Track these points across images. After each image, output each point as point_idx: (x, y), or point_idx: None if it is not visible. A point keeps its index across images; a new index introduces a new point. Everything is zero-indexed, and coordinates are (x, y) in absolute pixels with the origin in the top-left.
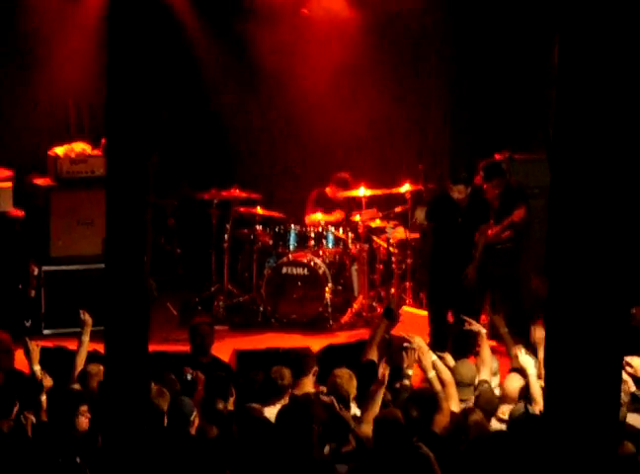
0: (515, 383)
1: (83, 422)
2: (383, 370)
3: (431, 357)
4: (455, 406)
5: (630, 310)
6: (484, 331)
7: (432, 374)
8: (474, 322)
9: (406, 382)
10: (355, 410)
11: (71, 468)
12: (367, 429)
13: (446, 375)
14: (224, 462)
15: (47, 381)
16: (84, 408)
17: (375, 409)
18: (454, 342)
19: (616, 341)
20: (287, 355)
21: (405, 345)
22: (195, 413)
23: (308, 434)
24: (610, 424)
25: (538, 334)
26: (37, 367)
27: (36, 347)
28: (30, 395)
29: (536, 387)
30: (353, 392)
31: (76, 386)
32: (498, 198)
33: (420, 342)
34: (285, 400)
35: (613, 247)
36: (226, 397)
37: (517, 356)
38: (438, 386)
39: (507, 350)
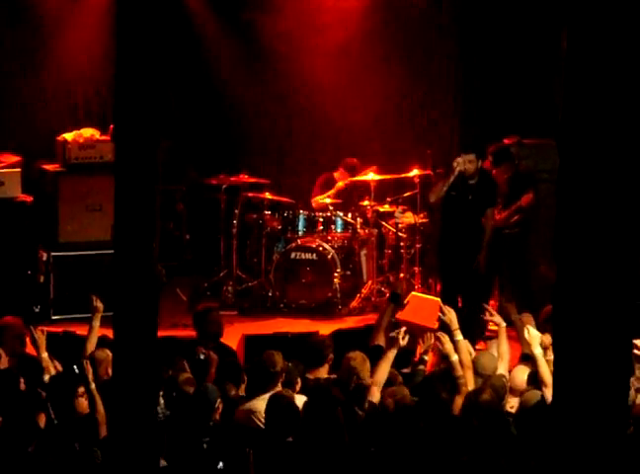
0: (522, 375)
1: (82, 403)
2: (401, 335)
3: (457, 336)
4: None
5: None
6: (504, 324)
7: (454, 358)
8: (495, 313)
9: (421, 367)
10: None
11: (86, 454)
12: (376, 391)
13: (467, 359)
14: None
15: (57, 367)
16: (82, 390)
17: (385, 370)
18: (463, 327)
19: (625, 325)
20: (304, 342)
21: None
22: (219, 400)
23: (335, 420)
24: (619, 408)
25: (548, 339)
26: (44, 355)
27: (41, 334)
28: (37, 379)
29: (545, 368)
30: (366, 375)
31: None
32: (506, 183)
33: (451, 315)
34: (279, 387)
35: (622, 232)
36: (238, 383)
37: (525, 331)
38: (460, 371)
39: (518, 336)
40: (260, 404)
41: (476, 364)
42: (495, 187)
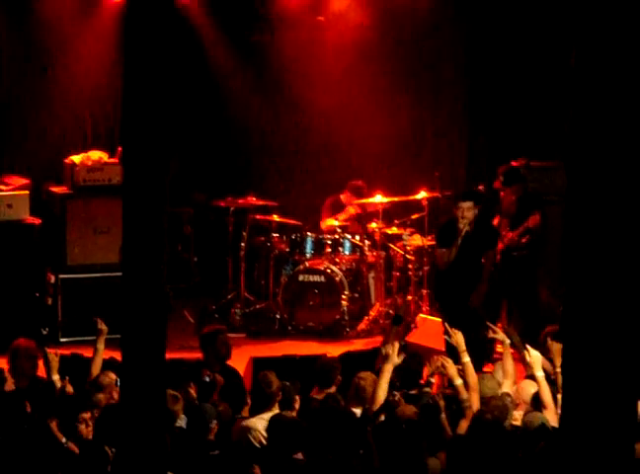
0: (530, 389)
1: (84, 430)
2: (389, 349)
3: (464, 358)
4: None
5: None
6: (508, 341)
7: (459, 382)
8: (499, 330)
9: (427, 389)
10: None
11: None
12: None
13: (474, 381)
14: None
15: (69, 388)
16: (86, 415)
17: (384, 387)
18: (470, 350)
19: (635, 344)
20: (313, 365)
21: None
22: (215, 420)
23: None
24: (628, 432)
25: (556, 347)
26: (55, 377)
27: (55, 356)
28: (50, 402)
29: (546, 391)
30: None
31: (102, 395)
32: (515, 205)
33: (458, 337)
34: (276, 406)
35: (631, 253)
36: (241, 405)
37: (524, 358)
38: (464, 394)
39: (520, 359)
40: (257, 423)
41: (479, 388)
42: (494, 231)
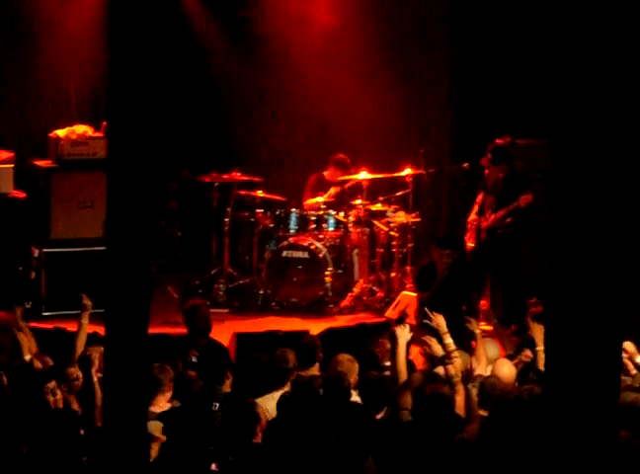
0: (504, 368)
1: (50, 400)
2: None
3: (446, 340)
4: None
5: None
6: (478, 331)
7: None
8: (473, 321)
9: (386, 373)
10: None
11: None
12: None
13: (456, 362)
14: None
15: (37, 364)
16: (51, 385)
17: (404, 361)
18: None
19: (616, 327)
20: (293, 343)
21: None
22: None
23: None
24: (610, 410)
25: (537, 327)
26: (27, 357)
27: (24, 336)
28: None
29: None
30: (353, 377)
31: (74, 369)
32: (502, 183)
33: (439, 319)
34: (287, 386)
35: (614, 233)
36: (222, 380)
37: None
38: (452, 370)
39: (499, 340)
40: (270, 403)
41: None
42: (473, 271)
